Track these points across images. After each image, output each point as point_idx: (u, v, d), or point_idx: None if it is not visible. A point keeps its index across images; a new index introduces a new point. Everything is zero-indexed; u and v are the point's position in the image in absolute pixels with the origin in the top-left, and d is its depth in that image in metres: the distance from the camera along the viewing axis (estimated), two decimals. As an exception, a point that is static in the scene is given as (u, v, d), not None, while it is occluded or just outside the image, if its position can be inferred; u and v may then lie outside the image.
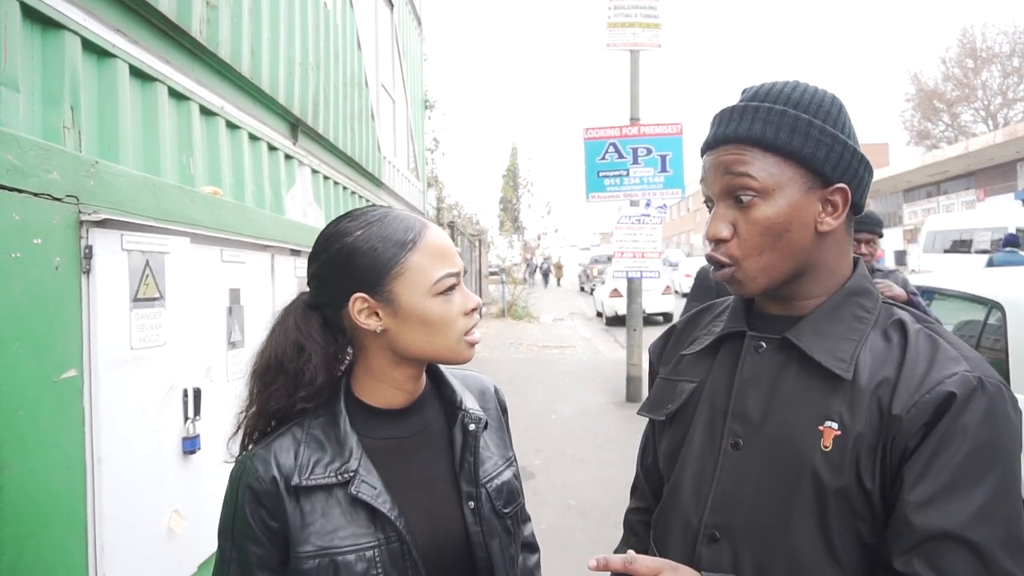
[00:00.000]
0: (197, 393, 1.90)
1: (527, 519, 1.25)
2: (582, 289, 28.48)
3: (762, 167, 0.92)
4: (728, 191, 0.95)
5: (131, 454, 1.63)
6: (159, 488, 1.74)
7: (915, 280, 4.29)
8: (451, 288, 0.98)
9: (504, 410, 1.20)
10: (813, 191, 0.93)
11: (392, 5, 8.55)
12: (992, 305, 3.32)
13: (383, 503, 0.94)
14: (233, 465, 1.01)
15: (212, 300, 2.09)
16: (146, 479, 1.68)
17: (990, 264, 8.65)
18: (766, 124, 0.93)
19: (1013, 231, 12.16)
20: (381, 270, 0.95)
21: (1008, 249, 9.08)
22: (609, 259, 22.08)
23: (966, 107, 38.96)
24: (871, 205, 39.56)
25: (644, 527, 1.19)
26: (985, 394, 0.83)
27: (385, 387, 1.02)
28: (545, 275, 33.85)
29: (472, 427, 1.05)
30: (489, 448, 1.10)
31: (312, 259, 1.01)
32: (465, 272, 1.05)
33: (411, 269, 0.96)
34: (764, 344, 0.99)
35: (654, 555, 1.03)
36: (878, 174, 35.69)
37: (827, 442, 0.88)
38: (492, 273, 25.01)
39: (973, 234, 15.31)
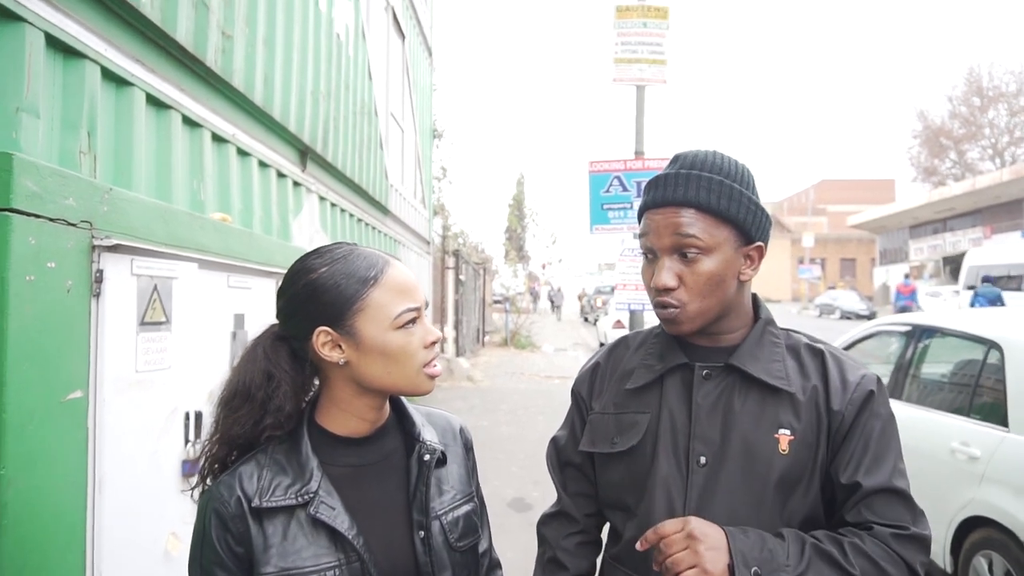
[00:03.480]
0: (199, 417, 1.93)
1: (495, 565, 1.26)
2: (585, 320, 28.45)
3: (704, 228, 1.08)
4: (676, 247, 1.09)
5: (132, 475, 1.65)
6: (158, 510, 1.76)
7: (914, 318, 4.30)
8: (411, 322, 1.02)
9: (469, 448, 1.23)
10: (739, 248, 1.12)
11: (404, 36, 8.73)
12: (991, 345, 3.33)
13: (341, 523, 0.97)
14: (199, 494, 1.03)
15: (217, 325, 2.13)
16: (146, 500, 1.71)
17: (976, 296, 9.92)
18: (708, 192, 1.08)
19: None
20: (343, 305, 1.00)
21: (986, 284, 10.91)
22: (613, 290, 22.05)
23: (973, 145, 39.17)
24: (878, 240, 39.66)
25: (585, 547, 1.31)
26: (881, 387, 1.14)
27: (348, 416, 1.06)
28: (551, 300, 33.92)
29: (427, 458, 1.08)
30: (449, 481, 1.13)
31: (280, 294, 1.06)
32: (427, 305, 1.08)
33: (372, 305, 1.00)
34: (710, 372, 1.15)
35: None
36: (884, 210, 35.87)
37: (784, 446, 1.09)
38: (496, 302, 25.05)
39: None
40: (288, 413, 1.02)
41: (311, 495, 0.97)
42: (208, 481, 1.04)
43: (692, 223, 1.08)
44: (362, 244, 1.15)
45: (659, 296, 1.13)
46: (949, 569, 3.28)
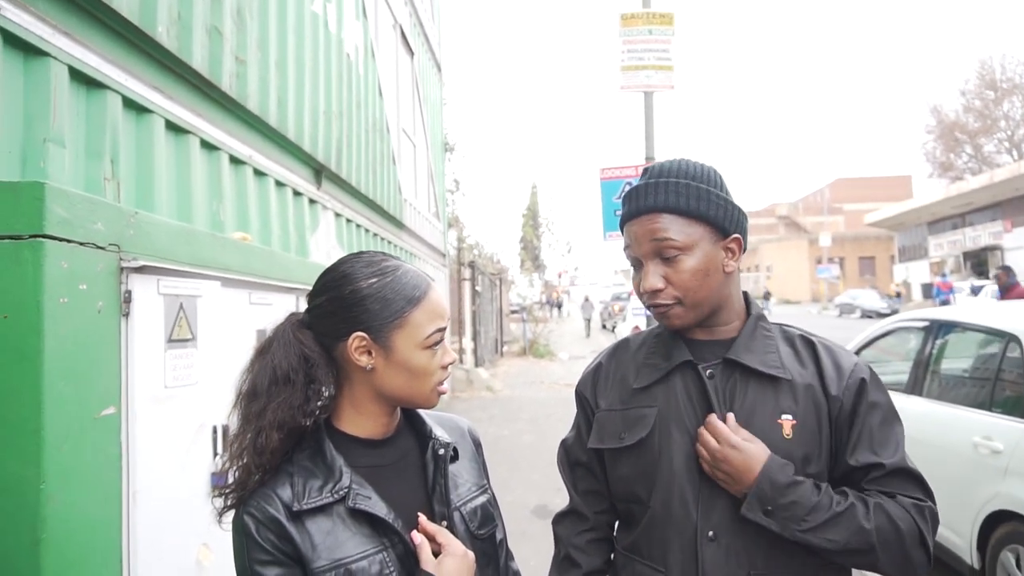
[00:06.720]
0: (225, 430, 1.99)
1: (511, 556, 1.30)
2: (603, 327, 28.38)
3: (678, 229, 1.15)
4: (656, 252, 1.17)
5: (164, 488, 1.71)
6: (189, 521, 1.81)
7: (932, 313, 4.28)
8: (438, 343, 1.09)
9: (478, 445, 1.30)
10: (717, 243, 1.19)
11: (413, 53, 8.84)
12: (1010, 338, 3.32)
13: (380, 509, 1.02)
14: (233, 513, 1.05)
15: (240, 341, 2.19)
16: (177, 513, 1.76)
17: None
18: (677, 195, 1.16)
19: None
20: (387, 318, 1.05)
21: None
22: (629, 296, 22.03)
23: (989, 138, 38.74)
24: (896, 237, 39.27)
25: (597, 544, 1.35)
26: (873, 374, 1.22)
27: (364, 418, 1.11)
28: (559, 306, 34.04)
29: (441, 451, 1.14)
30: (462, 476, 1.20)
31: (320, 292, 1.10)
32: (447, 324, 1.13)
33: (411, 323, 1.07)
34: (713, 371, 1.22)
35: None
36: (901, 206, 35.52)
37: (787, 431, 1.15)
38: (513, 312, 25.09)
39: None
40: (331, 395, 1.07)
41: (346, 490, 1.02)
42: (256, 475, 1.03)
43: (666, 226, 1.16)
44: None
45: (650, 299, 1.20)
46: (976, 565, 3.25)
